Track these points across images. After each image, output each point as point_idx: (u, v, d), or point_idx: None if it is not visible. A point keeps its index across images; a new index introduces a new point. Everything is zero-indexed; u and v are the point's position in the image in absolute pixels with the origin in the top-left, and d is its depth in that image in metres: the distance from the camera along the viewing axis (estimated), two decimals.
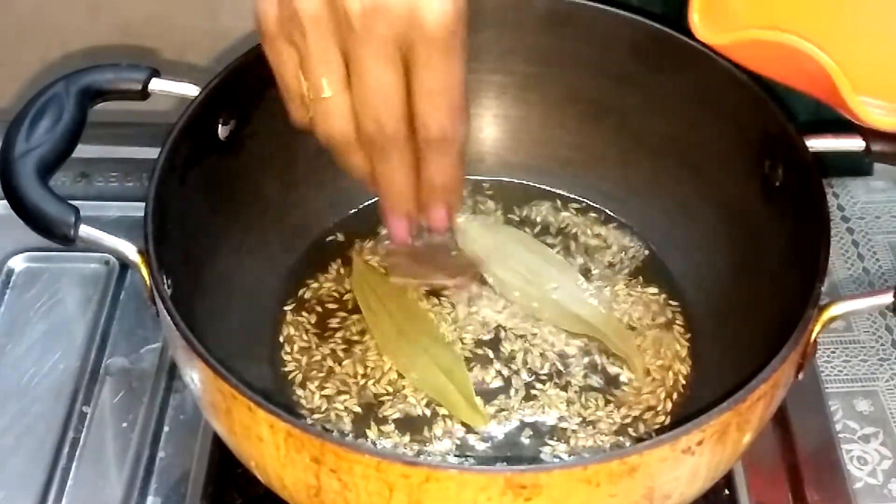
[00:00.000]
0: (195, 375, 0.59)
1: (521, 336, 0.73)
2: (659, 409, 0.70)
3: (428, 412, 0.70)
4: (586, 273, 0.77)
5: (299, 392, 0.71)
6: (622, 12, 0.74)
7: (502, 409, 0.70)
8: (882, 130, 0.57)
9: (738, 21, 0.60)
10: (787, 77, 0.61)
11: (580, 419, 0.69)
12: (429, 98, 0.58)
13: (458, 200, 0.64)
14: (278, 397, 0.69)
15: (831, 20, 0.58)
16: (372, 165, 0.61)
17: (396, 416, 0.69)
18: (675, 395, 0.71)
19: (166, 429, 0.73)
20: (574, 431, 0.69)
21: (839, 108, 0.57)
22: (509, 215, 0.80)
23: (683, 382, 0.71)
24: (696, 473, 0.57)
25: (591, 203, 0.81)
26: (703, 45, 0.63)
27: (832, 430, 0.73)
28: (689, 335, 0.74)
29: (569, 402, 0.70)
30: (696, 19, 0.60)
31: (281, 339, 0.73)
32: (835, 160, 0.69)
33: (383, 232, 0.79)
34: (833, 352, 0.78)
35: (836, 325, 0.78)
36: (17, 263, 0.82)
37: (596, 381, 0.71)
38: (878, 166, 0.73)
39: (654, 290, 0.76)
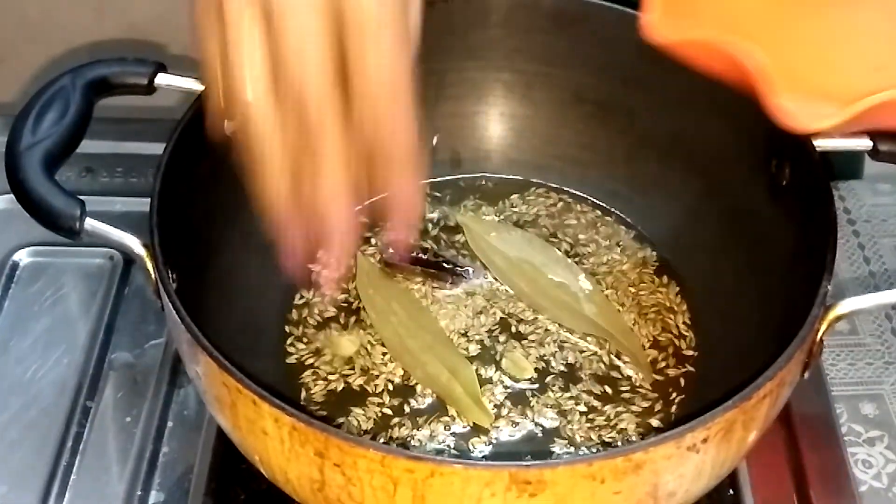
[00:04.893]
0: (200, 369, 0.59)
1: (527, 335, 0.73)
2: (664, 406, 0.70)
3: (433, 407, 0.69)
4: (592, 272, 0.77)
5: (303, 386, 0.71)
6: (630, 11, 0.74)
7: (508, 407, 0.70)
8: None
9: (690, 24, 0.63)
10: (721, 74, 0.64)
11: (585, 416, 0.69)
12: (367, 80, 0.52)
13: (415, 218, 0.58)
14: (282, 391, 0.69)
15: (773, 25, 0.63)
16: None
17: (401, 410, 0.69)
18: (680, 393, 0.71)
19: (170, 424, 0.73)
20: (578, 428, 0.69)
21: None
22: (514, 213, 0.80)
23: (689, 380, 0.71)
24: (700, 471, 0.57)
25: (598, 202, 0.81)
26: None
27: (838, 432, 0.73)
28: (694, 333, 0.74)
29: (574, 400, 0.70)
30: (655, 19, 0.63)
31: (285, 333, 0.73)
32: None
33: (386, 231, 0.79)
34: (838, 355, 0.78)
35: (842, 328, 0.78)
36: (22, 257, 0.82)
37: (601, 378, 0.71)
38: (886, 168, 0.73)
39: (659, 288, 0.76)
